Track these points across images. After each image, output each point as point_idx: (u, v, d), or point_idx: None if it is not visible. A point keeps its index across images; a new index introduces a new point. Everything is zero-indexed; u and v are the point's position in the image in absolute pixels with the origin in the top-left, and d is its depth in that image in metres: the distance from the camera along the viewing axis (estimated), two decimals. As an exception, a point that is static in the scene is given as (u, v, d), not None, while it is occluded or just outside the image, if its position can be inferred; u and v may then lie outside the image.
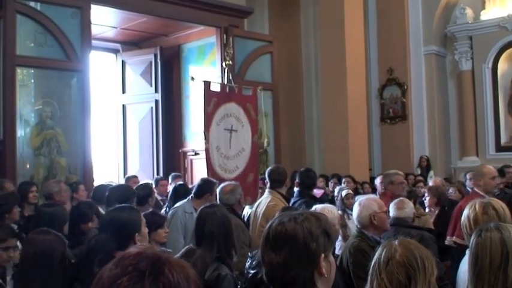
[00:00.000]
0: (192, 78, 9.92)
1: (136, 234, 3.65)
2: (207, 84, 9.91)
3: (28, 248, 3.76)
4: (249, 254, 4.37)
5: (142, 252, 1.43)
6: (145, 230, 3.78)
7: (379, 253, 2.61)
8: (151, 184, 7.94)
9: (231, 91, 10.31)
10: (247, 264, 4.25)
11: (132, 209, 3.86)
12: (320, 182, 9.99)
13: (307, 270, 2.16)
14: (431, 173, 13.96)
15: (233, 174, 9.92)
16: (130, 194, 5.25)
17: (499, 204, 3.70)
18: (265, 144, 11.05)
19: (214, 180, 6.91)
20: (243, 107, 10.43)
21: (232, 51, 10.61)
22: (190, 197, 6.46)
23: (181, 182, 8.15)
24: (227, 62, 10.41)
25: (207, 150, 9.70)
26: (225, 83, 10.32)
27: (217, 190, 6.32)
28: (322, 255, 2.17)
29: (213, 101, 9.92)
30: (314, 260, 2.16)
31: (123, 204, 4.20)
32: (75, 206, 5.80)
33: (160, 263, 1.40)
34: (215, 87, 10.24)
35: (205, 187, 6.46)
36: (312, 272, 2.16)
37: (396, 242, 2.62)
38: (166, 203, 7.50)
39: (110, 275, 1.39)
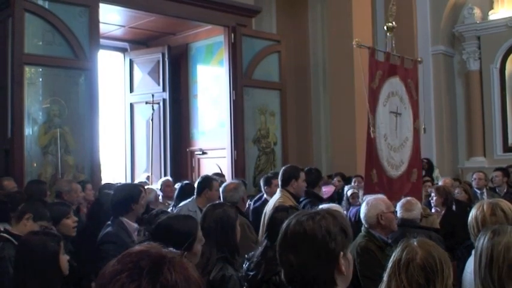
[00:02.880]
0: (357, 44, 7.45)
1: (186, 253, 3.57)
2: (372, 51, 7.82)
3: (20, 249, 3.78)
4: (246, 256, 4.36)
5: (146, 251, 1.44)
6: (198, 247, 3.71)
7: (399, 253, 2.63)
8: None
9: (395, 62, 8.20)
10: (245, 266, 4.24)
11: (188, 218, 3.85)
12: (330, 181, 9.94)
13: (328, 269, 2.16)
14: (437, 171, 13.89)
15: (399, 170, 7.96)
16: (137, 193, 5.24)
17: (507, 205, 3.69)
18: (422, 132, 8.70)
19: (214, 177, 6.95)
20: (405, 83, 8.28)
21: (395, 10, 8.61)
22: (194, 196, 6.52)
23: (187, 181, 8.16)
24: (389, 24, 8.39)
25: (371, 140, 7.46)
26: (387, 50, 8.24)
27: (221, 189, 6.34)
28: (341, 253, 2.18)
29: (377, 74, 7.74)
30: (334, 259, 2.16)
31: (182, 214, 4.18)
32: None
33: (161, 262, 1.40)
34: (380, 56, 8.24)
35: (203, 183, 6.53)
36: (332, 271, 2.17)
37: (416, 243, 2.64)
38: (173, 203, 7.53)
39: (111, 270, 1.40)
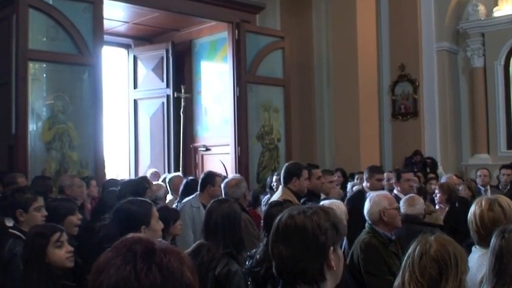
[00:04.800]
0: None
1: (143, 227, 3.65)
2: None
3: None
4: (248, 253, 4.37)
5: (138, 237, 1.52)
6: (156, 225, 3.78)
7: (413, 247, 2.67)
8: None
9: None
10: (248, 263, 4.25)
11: (144, 202, 3.88)
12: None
13: (317, 262, 2.19)
14: (440, 168, 13.87)
15: None
16: (143, 188, 5.26)
17: (506, 201, 3.67)
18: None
19: (217, 173, 6.96)
20: None
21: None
22: (197, 192, 6.53)
23: (192, 177, 8.16)
24: None
25: None
26: None
27: (222, 185, 6.35)
28: (331, 248, 2.20)
29: None
30: (323, 253, 2.19)
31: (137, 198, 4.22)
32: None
33: (154, 247, 1.48)
34: None
35: (206, 179, 6.55)
36: (321, 264, 2.19)
37: (432, 238, 2.68)
38: (178, 198, 7.54)
39: (106, 257, 1.47)
